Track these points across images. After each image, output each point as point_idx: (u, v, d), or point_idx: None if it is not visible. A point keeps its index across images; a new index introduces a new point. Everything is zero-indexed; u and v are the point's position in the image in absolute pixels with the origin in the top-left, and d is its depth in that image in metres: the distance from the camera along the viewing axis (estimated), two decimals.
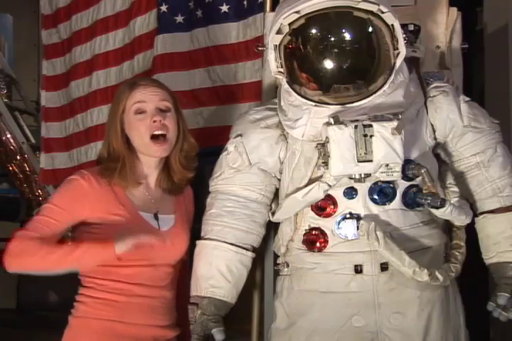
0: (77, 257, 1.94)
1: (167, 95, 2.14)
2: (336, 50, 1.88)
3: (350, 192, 1.98)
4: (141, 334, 2.04)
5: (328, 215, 2.01)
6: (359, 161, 1.87)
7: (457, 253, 2.07)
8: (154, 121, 2.07)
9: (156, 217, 2.11)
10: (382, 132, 1.86)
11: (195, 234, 2.19)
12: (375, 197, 1.98)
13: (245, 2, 2.92)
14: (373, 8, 1.87)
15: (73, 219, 2.04)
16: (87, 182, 2.05)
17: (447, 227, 2.13)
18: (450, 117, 2.05)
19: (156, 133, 2.07)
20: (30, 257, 1.95)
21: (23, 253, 1.95)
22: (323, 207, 2.02)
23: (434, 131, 2.06)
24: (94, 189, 2.05)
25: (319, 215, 2.03)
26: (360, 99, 1.91)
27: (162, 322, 2.09)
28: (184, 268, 2.21)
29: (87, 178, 2.06)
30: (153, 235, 2.04)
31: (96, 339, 2.02)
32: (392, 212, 1.99)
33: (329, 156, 1.88)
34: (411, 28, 2.20)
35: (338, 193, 1.99)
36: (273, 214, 2.14)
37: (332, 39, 1.89)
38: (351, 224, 1.99)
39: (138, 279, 2.05)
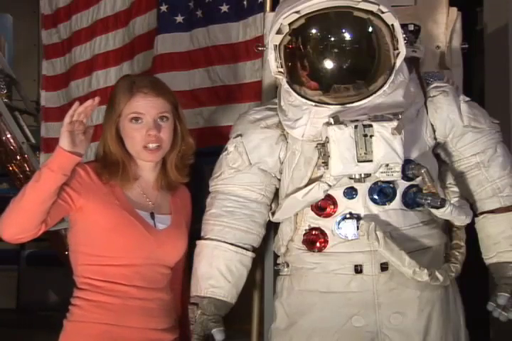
0: (37, 177, 1.90)
1: (166, 104, 2.10)
2: (335, 50, 1.88)
3: (350, 192, 1.98)
4: (137, 337, 2.02)
5: (328, 215, 2.01)
6: (359, 161, 1.87)
7: (457, 253, 2.07)
8: (149, 135, 2.06)
9: (152, 216, 2.10)
10: (382, 132, 1.86)
11: (196, 234, 2.19)
12: (375, 197, 1.98)
13: (245, 2, 2.92)
14: (373, 8, 1.87)
15: (67, 199, 2.00)
16: (85, 173, 2.05)
17: (447, 227, 2.13)
18: (450, 117, 2.05)
19: (150, 146, 2.07)
20: (9, 207, 1.92)
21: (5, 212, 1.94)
22: (323, 207, 2.02)
23: (434, 131, 2.06)
24: (92, 180, 2.05)
25: (319, 215, 2.03)
26: (360, 99, 1.91)
27: (159, 325, 2.07)
28: (184, 270, 2.20)
29: (86, 169, 2.05)
30: (149, 233, 2.04)
31: None
32: (392, 212, 1.99)
33: (329, 156, 1.88)
34: (411, 28, 2.20)
35: (338, 193, 1.99)
36: (273, 214, 2.14)
37: (332, 39, 1.89)
38: (351, 224, 1.99)
39: (133, 281, 2.03)
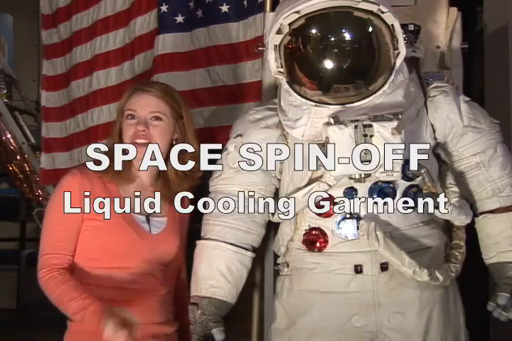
0: (72, 312, 2.03)
1: (162, 105, 2.12)
2: (335, 50, 1.89)
3: (350, 192, 1.98)
4: (139, 332, 2.03)
5: (328, 215, 2.02)
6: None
7: (457, 253, 2.07)
8: (138, 130, 2.09)
9: (147, 220, 2.11)
10: (382, 132, 1.87)
11: (196, 234, 2.19)
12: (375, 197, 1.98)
13: (245, 2, 2.92)
14: (373, 8, 1.87)
15: (78, 220, 2.05)
16: (77, 181, 2.06)
17: (447, 227, 2.13)
18: (450, 117, 2.05)
19: (138, 141, 2.09)
20: (49, 294, 2.15)
21: (47, 288, 2.16)
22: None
23: (434, 131, 2.07)
24: (85, 185, 2.06)
25: (319, 215, 2.03)
26: (360, 99, 1.91)
27: (158, 319, 2.09)
28: (178, 263, 2.22)
29: (76, 176, 2.07)
30: (140, 238, 2.06)
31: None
32: None
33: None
34: (411, 28, 2.20)
35: (338, 193, 1.99)
36: (273, 214, 2.14)
37: (332, 39, 1.89)
38: (351, 224, 1.99)
39: (129, 279, 2.05)
